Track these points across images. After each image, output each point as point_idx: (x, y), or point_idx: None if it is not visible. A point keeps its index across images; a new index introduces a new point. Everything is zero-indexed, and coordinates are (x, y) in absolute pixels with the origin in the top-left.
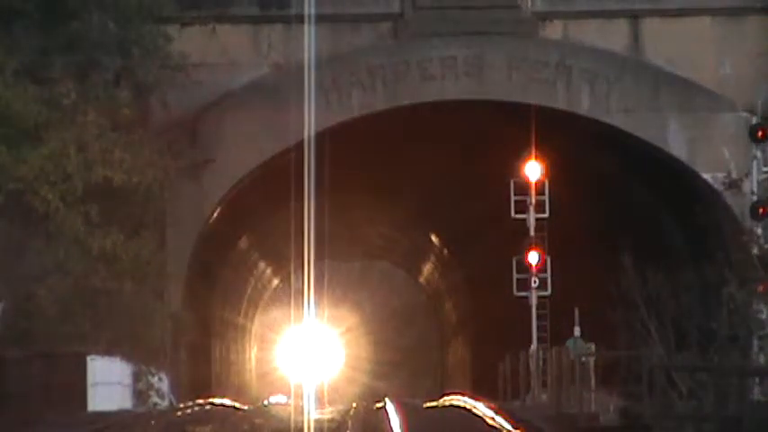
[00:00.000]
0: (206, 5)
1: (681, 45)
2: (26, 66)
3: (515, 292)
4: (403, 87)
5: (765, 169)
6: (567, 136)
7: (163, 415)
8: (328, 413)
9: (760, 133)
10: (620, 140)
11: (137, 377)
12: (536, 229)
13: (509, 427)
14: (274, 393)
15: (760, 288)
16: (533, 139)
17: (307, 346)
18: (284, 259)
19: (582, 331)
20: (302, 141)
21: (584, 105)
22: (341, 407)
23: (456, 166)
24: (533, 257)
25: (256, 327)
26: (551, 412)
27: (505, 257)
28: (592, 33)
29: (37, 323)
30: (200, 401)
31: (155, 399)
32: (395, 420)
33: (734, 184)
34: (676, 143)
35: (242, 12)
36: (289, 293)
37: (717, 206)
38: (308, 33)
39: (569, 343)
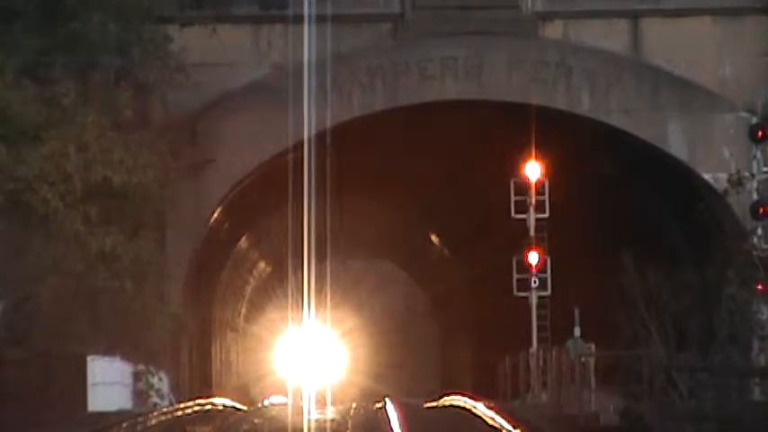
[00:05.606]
0: (206, 5)
1: (681, 45)
2: (26, 66)
3: (515, 292)
4: (403, 87)
5: (765, 169)
6: (567, 136)
7: (163, 415)
8: (328, 413)
9: (760, 133)
10: (620, 140)
11: (137, 377)
12: (536, 229)
13: (509, 427)
14: (274, 394)
15: (760, 288)
16: (533, 139)
17: (306, 346)
18: (284, 259)
19: (582, 331)
20: (302, 141)
21: (584, 105)
22: (341, 407)
23: (456, 166)
24: (533, 257)
25: (256, 327)
26: (551, 412)
27: (505, 257)
28: (592, 33)
29: (37, 323)
30: (201, 401)
31: (155, 399)
32: (395, 420)
33: (738, 182)
34: (676, 143)
35: (242, 12)
36: (289, 294)
37: (717, 206)
38: (308, 33)
39: (569, 343)
